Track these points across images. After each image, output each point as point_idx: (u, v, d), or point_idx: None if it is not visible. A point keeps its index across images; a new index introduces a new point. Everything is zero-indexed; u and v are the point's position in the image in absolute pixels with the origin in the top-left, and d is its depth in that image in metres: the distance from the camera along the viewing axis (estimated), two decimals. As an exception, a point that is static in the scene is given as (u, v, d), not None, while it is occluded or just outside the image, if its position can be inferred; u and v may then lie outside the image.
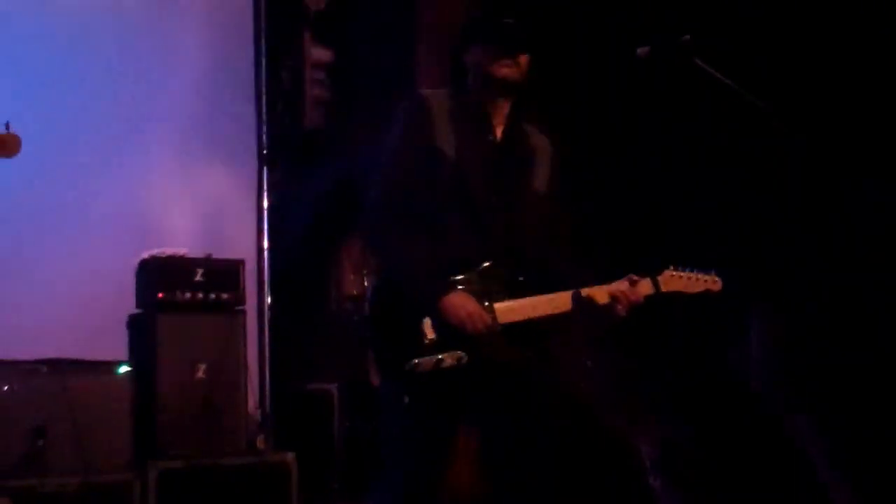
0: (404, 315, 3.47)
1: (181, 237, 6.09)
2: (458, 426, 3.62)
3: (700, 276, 3.69)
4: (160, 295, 5.73)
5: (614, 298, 3.56)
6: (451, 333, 3.43)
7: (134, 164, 6.41)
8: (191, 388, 5.63)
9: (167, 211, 6.39)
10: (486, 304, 3.49)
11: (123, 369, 5.54)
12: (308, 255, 7.04)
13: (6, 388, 5.18)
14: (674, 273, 3.67)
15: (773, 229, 5.14)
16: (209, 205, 6.56)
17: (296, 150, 7.07)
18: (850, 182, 4.43)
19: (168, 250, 5.87)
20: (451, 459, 3.63)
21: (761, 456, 5.20)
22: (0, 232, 5.90)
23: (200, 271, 5.85)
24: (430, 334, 3.43)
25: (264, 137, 6.90)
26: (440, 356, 3.42)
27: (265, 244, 6.68)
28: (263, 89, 6.97)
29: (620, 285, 3.58)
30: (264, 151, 6.87)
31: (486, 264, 3.54)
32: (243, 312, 5.98)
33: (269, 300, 6.68)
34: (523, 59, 3.62)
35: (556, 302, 3.55)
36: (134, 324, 5.89)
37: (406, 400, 3.47)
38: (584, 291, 3.56)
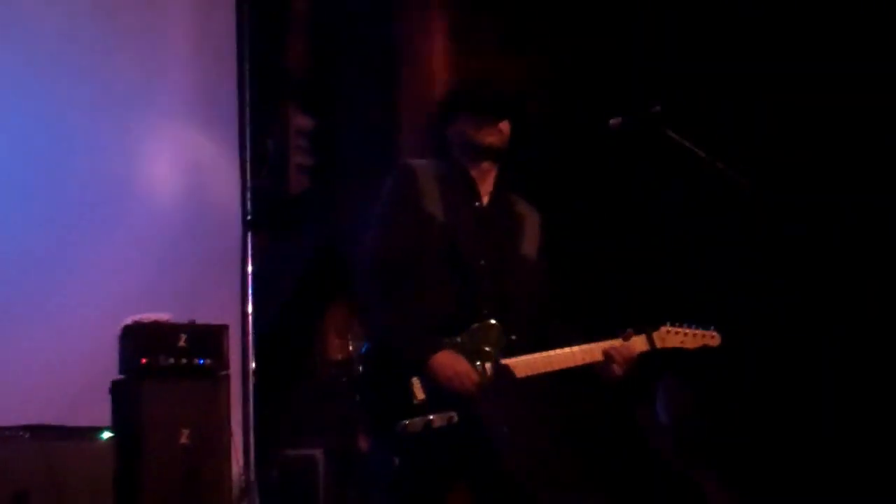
0: (394, 375, 3.47)
1: (165, 302, 6.08)
2: (449, 487, 3.60)
3: (698, 331, 3.67)
4: (143, 360, 5.73)
5: (608, 356, 3.57)
6: (440, 393, 3.43)
7: (118, 228, 6.43)
8: (175, 453, 5.62)
9: (151, 276, 6.40)
10: (478, 363, 3.50)
11: (106, 435, 5.54)
12: (292, 319, 7.05)
13: (-11, 454, 5.18)
14: (670, 329, 3.66)
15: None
16: (193, 270, 6.57)
17: (280, 216, 7.12)
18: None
19: (151, 316, 5.88)
20: None
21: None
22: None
23: (184, 336, 5.85)
24: (420, 394, 3.43)
25: (248, 203, 6.95)
26: (430, 416, 3.41)
27: (249, 309, 6.71)
28: (248, 156, 7.03)
29: (614, 342, 3.59)
30: (248, 217, 6.92)
31: (477, 324, 3.55)
32: (227, 377, 5.98)
33: (253, 365, 6.69)
34: (505, 126, 3.68)
35: (552, 359, 3.56)
36: (117, 389, 5.86)
37: (396, 462, 3.46)
38: (580, 348, 3.57)
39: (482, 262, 3.61)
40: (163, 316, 5.89)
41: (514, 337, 3.59)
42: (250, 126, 7.05)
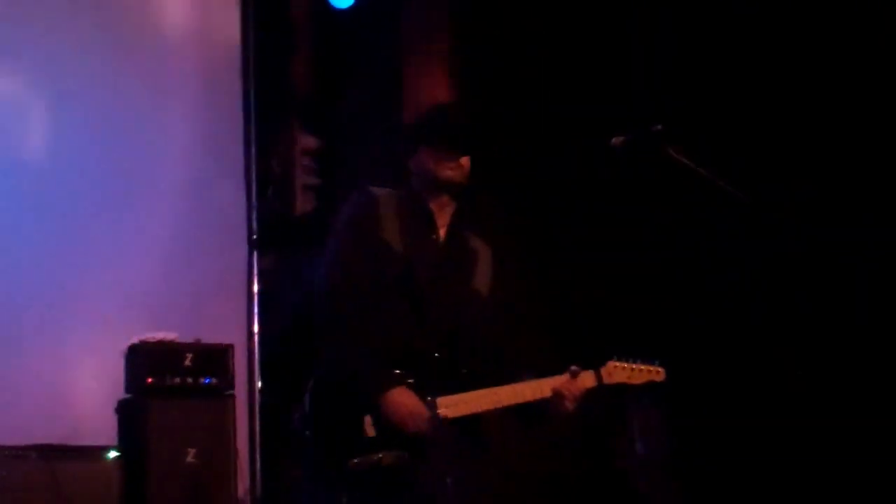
0: (345, 410, 3.45)
1: (170, 322, 6.10)
2: None
3: (643, 367, 3.70)
4: (149, 380, 5.75)
5: (557, 393, 3.57)
6: (391, 431, 3.41)
7: (123, 248, 6.45)
8: (181, 473, 5.63)
9: (157, 295, 6.41)
10: (429, 399, 3.47)
11: (112, 455, 5.55)
12: (298, 339, 7.05)
13: (-3, 474, 5.19)
14: (617, 364, 3.68)
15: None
16: (199, 289, 6.58)
17: (286, 236, 7.13)
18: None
19: (157, 335, 5.90)
20: None
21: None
22: (-9, 318, 5.95)
23: (190, 356, 5.87)
24: (371, 431, 3.41)
25: (254, 223, 6.97)
26: (380, 455, 3.38)
27: (255, 328, 6.72)
28: (253, 176, 7.05)
29: (561, 379, 3.60)
30: (254, 237, 6.94)
31: (430, 358, 3.54)
32: (233, 397, 5.99)
33: (259, 384, 6.70)
34: (465, 161, 3.70)
35: (500, 396, 3.56)
36: (123, 409, 5.88)
37: (344, 500, 3.41)
38: (527, 384, 3.58)
39: (437, 295, 3.62)
40: (169, 335, 5.91)
41: (464, 371, 3.59)
42: (255, 146, 7.08)
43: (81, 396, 5.99)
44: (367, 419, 3.42)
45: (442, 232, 3.74)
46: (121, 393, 5.89)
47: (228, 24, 7.00)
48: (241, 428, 6.26)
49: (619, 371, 3.67)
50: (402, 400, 3.44)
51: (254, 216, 6.98)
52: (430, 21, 6.27)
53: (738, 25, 5.37)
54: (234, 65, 7.04)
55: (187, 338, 5.96)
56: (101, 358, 6.01)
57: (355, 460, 3.36)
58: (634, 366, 3.69)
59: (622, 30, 5.67)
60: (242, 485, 6.15)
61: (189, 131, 6.88)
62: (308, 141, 7.11)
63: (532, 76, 5.70)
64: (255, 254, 6.88)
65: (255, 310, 6.75)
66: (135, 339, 5.87)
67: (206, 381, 5.90)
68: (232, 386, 6.01)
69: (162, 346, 5.86)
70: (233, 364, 6.03)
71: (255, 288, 6.79)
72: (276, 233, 6.99)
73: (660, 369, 3.72)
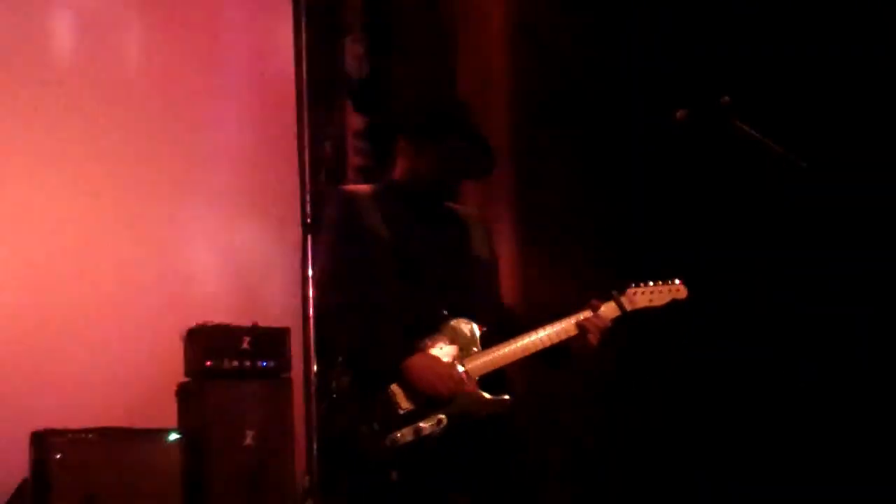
0: (373, 390, 3.41)
1: (227, 306, 6.14)
2: (448, 492, 3.54)
3: (664, 286, 3.61)
4: (208, 363, 5.80)
5: (582, 328, 3.51)
6: (423, 398, 3.37)
7: (180, 233, 6.51)
8: (240, 454, 5.68)
9: (213, 280, 6.46)
10: (457, 361, 3.44)
11: (173, 437, 5.59)
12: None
13: (58, 456, 5.24)
14: (636, 289, 3.60)
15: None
16: (255, 273, 6.62)
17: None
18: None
19: (215, 319, 5.94)
20: None
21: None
22: (49, 301, 6.00)
23: (247, 339, 5.91)
24: (404, 404, 3.37)
25: (308, 206, 6.96)
26: (419, 424, 3.35)
27: (311, 312, 6.71)
28: (306, 159, 7.04)
29: (584, 314, 3.53)
30: (308, 220, 6.92)
31: (448, 322, 3.49)
32: (289, 380, 6.02)
33: (315, 367, 6.70)
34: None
35: (527, 345, 3.49)
36: (182, 392, 5.93)
37: (394, 476, 3.35)
38: (553, 327, 3.51)
39: (436, 268, 3.58)
40: (226, 319, 5.94)
41: (484, 329, 3.53)
42: (308, 129, 7.06)
43: (141, 379, 6.02)
44: (397, 391, 3.38)
45: (427, 214, 3.69)
46: (180, 376, 5.94)
47: (280, 7, 7.00)
48: (298, 410, 6.29)
49: (640, 295, 3.59)
50: (427, 363, 3.39)
51: (307, 199, 6.97)
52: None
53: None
54: (287, 45, 7.04)
55: (244, 321, 5.98)
56: (161, 341, 6.04)
57: (397, 435, 3.34)
58: (654, 287, 3.60)
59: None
60: (300, 466, 6.17)
61: (242, 116, 6.91)
62: (359, 122, 7.10)
63: (592, 47, 5.63)
64: (310, 237, 6.86)
65: (311, 293, 6.74)
66: (193, 323, 5.91)
67: (264, 363, 5.94)
68: (289, 368, 6.04)
69: (219, 329, 5.91)
70: (290, 347, 6.05)
71: (310, 271, 6.78)
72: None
73: (681, 286, 3.62)
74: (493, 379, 3.49)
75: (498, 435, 3.48)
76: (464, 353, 3.47)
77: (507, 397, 3.47)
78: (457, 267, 3.62)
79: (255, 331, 5.98)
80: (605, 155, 5.69)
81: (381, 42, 7.04)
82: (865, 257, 4.81)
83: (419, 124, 3.72)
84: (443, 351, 3.46)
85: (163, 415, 5.80)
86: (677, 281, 3.63)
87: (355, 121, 7.10)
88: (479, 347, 3.49)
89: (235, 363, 5.87)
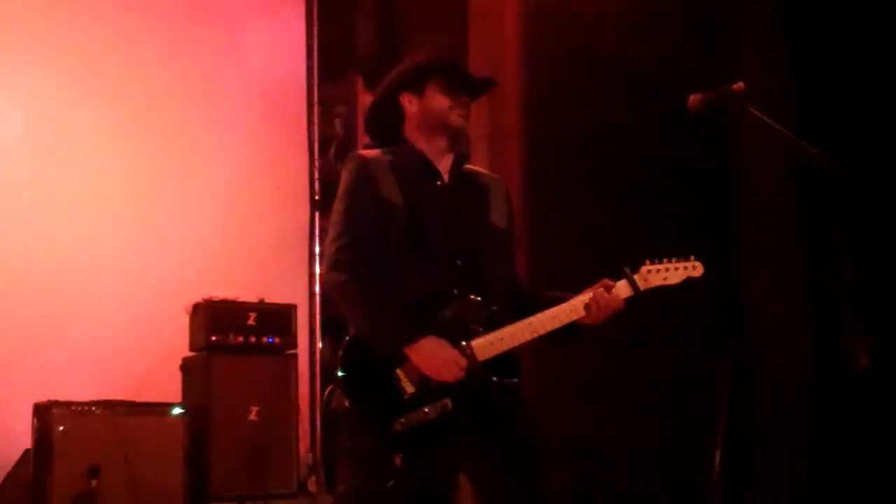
0: (378, 372, 3.32)
1: (234, 281, 6.13)
2: (456, 474, 3.49)
3: (679, 263, 3.50)
4: (213, 338, 5.80)
5: (593, 310, 3.43)
6: (430, 382, 3.31)
7: (188, 209, 6.50)
8: (243, 430, 5.68)
9: (220, 255, 6.45)
10: (464, 343, 3.36)
11: (177, 411, 5.59)
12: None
13: (60, 428, 5.24)
14: (650, 267, 3.49)
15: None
16: (262, 250, 6.61)
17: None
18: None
19: (221, 294, 5.93)
20: None
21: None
22: (56, 275, 6.01)
23: (253, 315, 5.91)
24: (410, 388, 3.30)
25: (316, 183, 6.97)
26: (424, 409, 3.28)
27: (317, 289, 6.73)
28: (315, 136, 7.04)
29: (596, 293, 3.45)
30: (316, 197, 6.94)
31: (457, 301, 3.41)
32: (295, 356, 6.02)
33: (320, 344, 6.72)
34: (470, 110, 3.59)
35: (535, 325, 3.41)
36: (187, 366, 5.94)
37: (399, 461, 3.27)
38: (562, 307, 3.44)
39: (453, 237, 3.48)
40: (232, 294, 5.93)
41: (494, 308, 3.45)
42: (318, 106, 7.06)
43: (146, 353, 6.04)
44: (402, 375, 3.30)
45: (446, 176, 3.59)
46: (185, 350, 5.95)
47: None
48: (303, 387, 6.30)
49: (654, 274, 3.48)
50: (432, 349, 3.31)
51: (316, 176, 6.98)
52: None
53: None
54: (298, 22, 7.03)
55: (250, 297, 5.98)
56: (166, 316, 6.04)
57: (401, 420, 3.27)
58: (669, 265, 3.49)
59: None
60: (304, 443, 6.18)
61: (251, 93, 6.90)
62: (370, 100, 7.07)
63: (607, 35, 5.59)
64: (318, 214, 6.88)
65: (317, 270, 6.75)
66: (199, 298, 5.90)
67: (269, 339, 5.94)
68: (295, 345, 6.04)
69: (226, 304, 5.90)
70: (295, 323, 6.05)
71: (318, 248, 6.79)
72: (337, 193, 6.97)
73: (696, 263, 3.50)
74: (501, 360, 3.46)
75: (505, 417, 3.45)
76: (471, 334, 3.43)
77: (514, 380, 3.45)
78: (471, 238, 3.53)
79: (261, 307, 5.98)
80: (617, 141, 5.65)
81: (394, 19, 7.00)
82: None
83: (416, 68, 3.66)
84: (451, 330, 3.38)
85: (167, 389, 5.82)
86: (692, 258, 3.57)
87: (366, 98, 7.08)
88: (488, 328, 3.45)
89: (241, 339, 5.87)
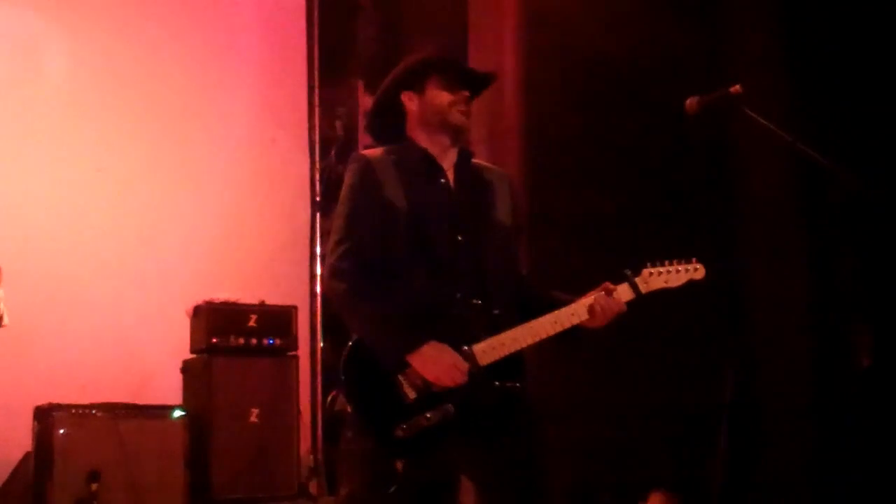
0: (379, 378, 3.29)
1: (235, 283, 6.13)
2: (457, 479, 3.48)
3: (680, 266, 3.49)
4: (214, 340, 5.79)
5: (595, 314, 3.41)
6: (431, 388, 3.28)
7: (189, 211, 6.49)
8: (244, 432, 5.67)
9: (221, 257, 6.45)
10: (465, 348, 3.33)
11: (177, 414, 5.59)
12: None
13: (61, 431, 5.24)
14: (652, 270, 3.48)
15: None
16: (263, 251, 6.61)
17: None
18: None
19: (222, 296, 5.93)
20: None
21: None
22: (56, 278, 6.01)
23: (254, 317, 5.90)
24: (412, 394, 3.28)
25: (317, 185, 6.97)
26: (427, 415, 3.27)
27: (318, 290, 6.72)
28: (316, 137, 7.04)
29: (597, 297, 3.43)
30: (317, 199, 6.94)
31: (460, 305, 3.38)
32: (296, 358, 6.01)
33: (321, 345, 6.71)
34: (471, 106, 3.57)
35: (537, 329, 3.40)
36: (188, 368, 5.94)
37: (400, 466, 3.26)
38: (563, 311, 3.42)
39: (457, 238, 3.46)
40: (233, 296, 5.93)
41: (496, 312, 3.42)
42: (319, 107, 7.06)
43: (147, 355, 6.05)
44: (403, 381, 3.28)
45: (450, 174, 3.56)
46: (186, 353, 5.94)
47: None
48: (304, 389, 6.29)
49: (656, 277, 3.47)
50: (433, 355, 3.29)
51: (317, 178, 6.98)
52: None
53: None
54: (299, 25, 7.03)
55: (251, 299, 5.97)
56: (167, 318, 6.05)
57: (403, 426, 3.25)
58: (671, 267, 3.48)
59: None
60: (305, 444, 6.18)
61: (253, 94, 6.90)
62: (371, 102, 7.07)
63: (605, 36, 5.58)
64: (318, 215, 6.88)
65: (318, 271, 6.75)
66: (200, 300, 5.90)
67: (270, 341, 5.93)
68: (295, 347, 6.03)
69: (226, 306, 5.90)
70: (296, 325, 6.05)
71: (318, 249, 6.79)
72: (339, 194, 6.97)
73: (698, 266, 3.49)
74: (504, 364, 3.45)
75: (508, 422, 3.44)
76: (473, 339, 3.43)
77: (517, 384, 3.44)
78: (475, 238, 3.50)
79: (262, 308, 5.97)
80: (616, 140, 5.64)
81: (394, 21, 7.00)
82: None
83: (414, 68, 3.66)
84: (453, 334, 3.36)
85: (167, 391, 5.82)
86: (694, 260, 3.57)
87: (367, 100, 7.08)
88: (489, 332, 3.44)
89: (241, 340, 5.86)
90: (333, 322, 6.68)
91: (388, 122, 3.63)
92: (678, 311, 4.49)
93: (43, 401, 5.31)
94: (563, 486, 5.30)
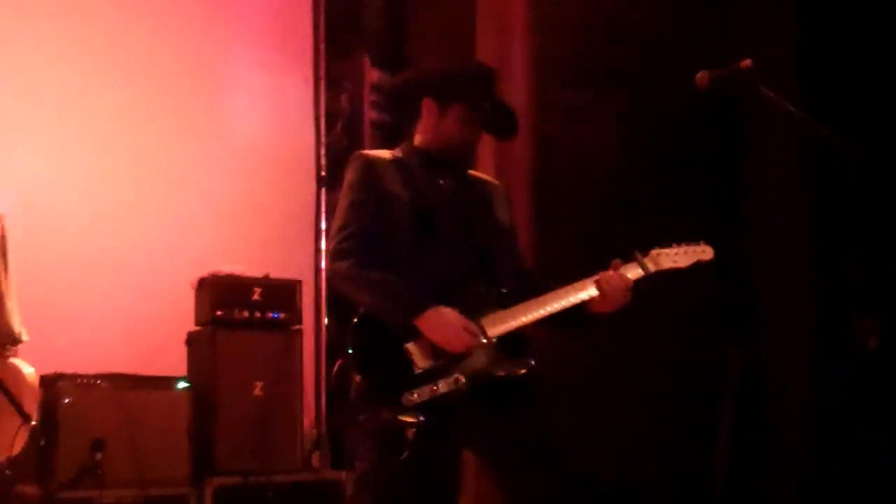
0: (388, 348, 3.31)
1: (239, 256, 6.13)
2: (461, 451, 3.50)
3: (689, 247, 3.53)
4: (218, 313, 5.79)
5: (603, 289, 3.43)
6: (441, 356, 3.30)
7: (193, 184, 6.49)
8: (248, 405, 5.68)
9: (226, 230, 6.44)
10: (474, 319, 3.35)
11: (182, 385, 5.60)
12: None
13: (66, 400, 5.25)
14: (660, 251, 3.51)
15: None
16: (268, 225, 6.61)
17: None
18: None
19: (226, 269, 5.93)
20: (459, 486, 3.49)
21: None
22: (61, 249, 6.01)
23: (258, 290, 5.90)
24: (421, 362, 3.29)
25: (322, 159, 6.96)
26: (437, 384, 3.27)
27: (322, 265, 6.72)
28: (322, 112, 7.02)
29: (605, 274, 3.45)
30: (322, 173, 6.93)
31: (466, 283, 3.42)
32: (300, 332, 6.01)
33: (325, 320, 6.72)
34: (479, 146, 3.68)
35: (546, 303, 3.42)
36: (192, 341, 5.94)
37: (410, 435, 3.25)
38: (572, 286, 3.45)
39: (460, 229, 3.51)
40: (238, 269, 5.93)
41: (504, 290, 3.46)
42: (325, 81, 7.04)
43: (151, 327, 6.04)
44: (414, 350, 3.30)
45: (448, 178, 3.60)
46: (190, 325, 5.94)
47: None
48: (308, 362, 6.30)
49: (665, 257, 3.50)
50: (442, 318, 3.31)
51: (322, 152, 6.97)
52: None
53: None
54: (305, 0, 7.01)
55: (256, 272, 5.97)
56: (171, 290, 6.04)
57: (414, 395, 3.26)
58: (679, 248, 3.52)
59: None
60: (308, 418, 6.18)
61: (258, 69, 6.87)
62: (378, 76, 7.06)
63: (613, 11, 5.56)
64: (324, 190, 6.87)
65: (323, 246, 6.75)
66: (204, 273, 5.89)
67: (275, 315, 5.93)
68: (299, 321, 6.03)
69: (231, 279, 5.89)
70: (301, 299, 6.05)
71: (323, 224, 6.79)
72: (344, 169, 6.95)
73: (706, 248, 3.53)
74: (514, 343, 3.45)
75: (519, 396, 3.44)
76: (481, 314, 3.42)
77: (529, 361, 3.43)
78: (478, 229, 3.56)
79: (266, 282, 5.96)
80: (628, 121, 5.63)
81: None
82: None
83: (448, 84, 3.65)
84: (462, 311, 3.36)
85: (172, 363, 5.81)
86: (702, 242, 3.57)
87: (373, 74, 7.06)
88: (498, 308, 3.45)
89: (246, 314, 5.86)
90: (337, 298, 6.69)
91: (404, 110, 3.67)
92: (683, 293, 4.51)
93: (48, 370, 5.32)
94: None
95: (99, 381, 5.39)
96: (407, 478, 3.30)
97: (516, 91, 5.56)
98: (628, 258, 3.51)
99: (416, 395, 3.27)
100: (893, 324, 4.91)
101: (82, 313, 5.95)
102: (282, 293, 6.00)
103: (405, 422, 3.25)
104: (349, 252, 3.42)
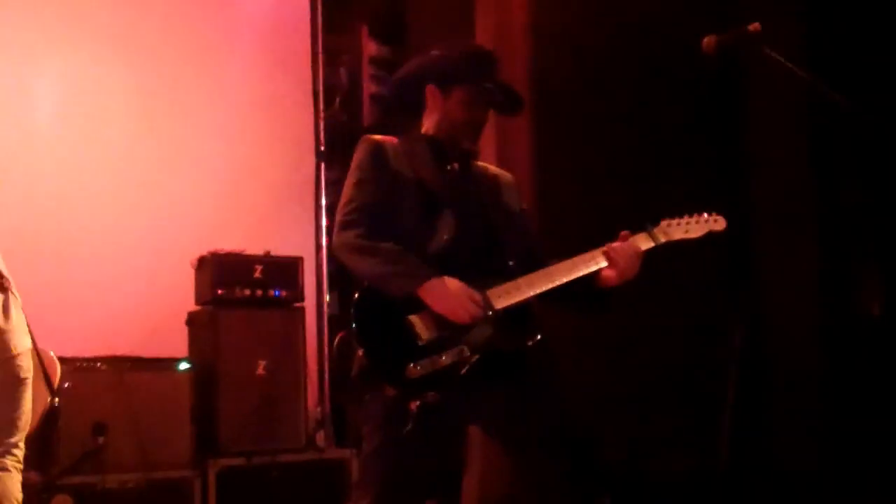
0: (391, 319, 3.26)
1: (240, 234, 6.07)
2: (467, 426, 3.49)
3: (700, 217, 3.46)
4: (219, 291, 5.74)
5: (612, 260, 3.38)
6: (445, 326, 3.25)
7: (192, 161, 6.42)
8: (251, 384, 5.64)
9: (226, 208, 6.38)
10: (480, 291, 3.30)
11: (183, 366, 5.55)
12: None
13: (67, 384, 5.20)
14: (671, 221, 3.46)
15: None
16: (268, 202, 6.55)
17: (353, 148, 7.04)
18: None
19: (226, 247, 5.87)
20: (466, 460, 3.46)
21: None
22: (60, 230, 5.96)
23: (259, 268, 5.85)
24: (424, 334, 3.24)
25: (322, 134, 6.89)
26: (441, 356, 3.22)
27: (323, 241, 6.67)
28: (321, 86, 6.96)
29: (613, 244, 3.41)
30: (322, 148, 6.86)
31: (472, 255, 3.39)
32: (302, 309, 5.96)
33: (327, 297, 6.67)
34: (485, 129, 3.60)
35: (553, 274, 3.37)
36: (193, 320, 5.89)
37: (415, 407, 3.20)
38: (580, 257, 3.40)
39: (467, 209, 3.47)
40: (238, 247, 5.87)
41: (511, 262, 3.42)
42: (323, 55, 6.97)
43: (151, 308, 5.98)
44: (417, 322, 3.25)
45: (456, 165, 3.56)
46: (191, 305, 5.90)
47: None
48: (311, 340, 6.25)
49: (675, 227, 3.44)
50: (446, 287, 3.26)
51: (321, 127, 6.90)
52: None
53: None
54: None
55: (257, 250, 5.91)
56: (171, 269, 5.99)
57: (417, 367, 3.20)
58: (690, 219, 3.45)
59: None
60: (311, 397, 6.14)
61: (256, 43, 6.81)
62: (377, 50, 6.99)
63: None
64: (323, 166, 6.81)
65: (323, 222, 6.70)
66: (205, 251, 5.84)
67: (276, 293, 5.88)
68: (301, 298, 5.98)
69: (231, 257, 5.84)
70: (302, 276, 6.00)
71: (324, 200, 6.73)
72: (343, 144, 6.90)
73: (718, 217, 3.45)
74: (521, 318, 3.39)
75: (526, 369, 3.38)
76: (488, 286, 3.35)
77: (536, 335, 3.37)
78: (484, 212, 3.53)
79: (267, 259, 5.91)
80: (627, 109, 5.58)
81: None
82: None
83: (447, 68, 3.60)
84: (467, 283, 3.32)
85: (173, 343, 5.76)
86: (713, 213, 3.50)
87: (371, 47, 6.99)
88: (505, 281, 3.39)
89: (247, 292, 5.81)
90: (339, 275, 6.64)
91: (409, 101, 3.64)
92: (687, 268, 4.46)
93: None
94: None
95: (99, 364, 5.36)
96: (412, 452, 3.28)
97: (517, 62, 5.50)
98: (637, 229, 3.45)
99: (419, 367, 3.21)
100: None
101: (80, 295, 5.89)
102: (283, 271, 5.94)
103: (408, 395, 3.21)
104: (355, 223, 3.39)
